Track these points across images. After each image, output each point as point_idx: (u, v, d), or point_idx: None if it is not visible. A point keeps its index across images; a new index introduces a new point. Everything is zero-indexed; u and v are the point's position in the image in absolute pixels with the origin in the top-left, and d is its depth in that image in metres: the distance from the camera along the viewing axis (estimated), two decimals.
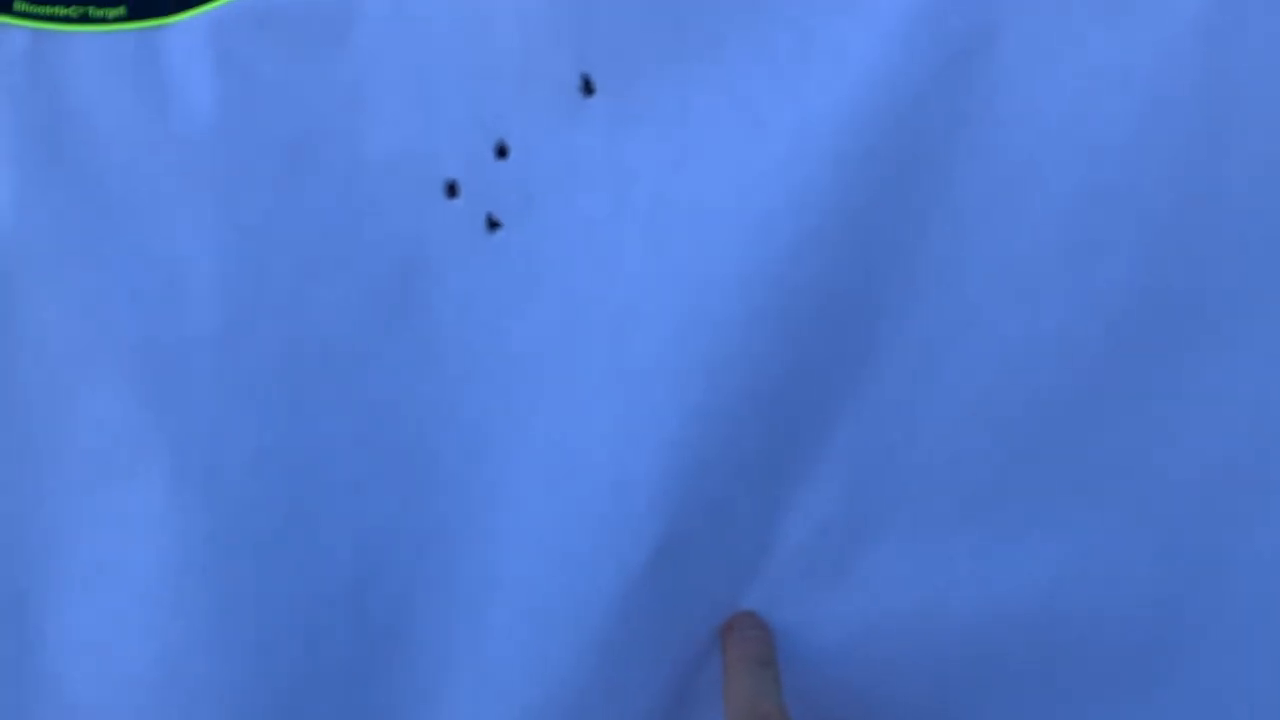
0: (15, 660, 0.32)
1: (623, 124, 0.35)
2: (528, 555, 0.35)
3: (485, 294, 0.35)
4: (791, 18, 0.34)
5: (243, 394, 0.33)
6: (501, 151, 0.35)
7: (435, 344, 0.35)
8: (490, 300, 0.35)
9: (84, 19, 0.32)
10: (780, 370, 0.35)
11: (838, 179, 0.35)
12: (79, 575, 0.32)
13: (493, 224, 0.35)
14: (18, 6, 0.31)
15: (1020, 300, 0.35)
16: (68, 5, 0.32)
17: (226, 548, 0.33)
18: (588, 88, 0.35)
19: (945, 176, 0.35)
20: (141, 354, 0.33)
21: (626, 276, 0.35)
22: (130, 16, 0.32)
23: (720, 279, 0.35)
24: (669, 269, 0.35)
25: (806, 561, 0.36)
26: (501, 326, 0.35)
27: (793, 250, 0.35)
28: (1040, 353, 0.35)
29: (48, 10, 0.31)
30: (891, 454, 0.36)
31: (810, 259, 0.35)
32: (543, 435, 0.35)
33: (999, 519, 0.36)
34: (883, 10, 0.34)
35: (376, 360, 0.34)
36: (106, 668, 0.33)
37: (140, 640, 0.33)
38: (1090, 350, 0.35)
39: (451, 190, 0.35)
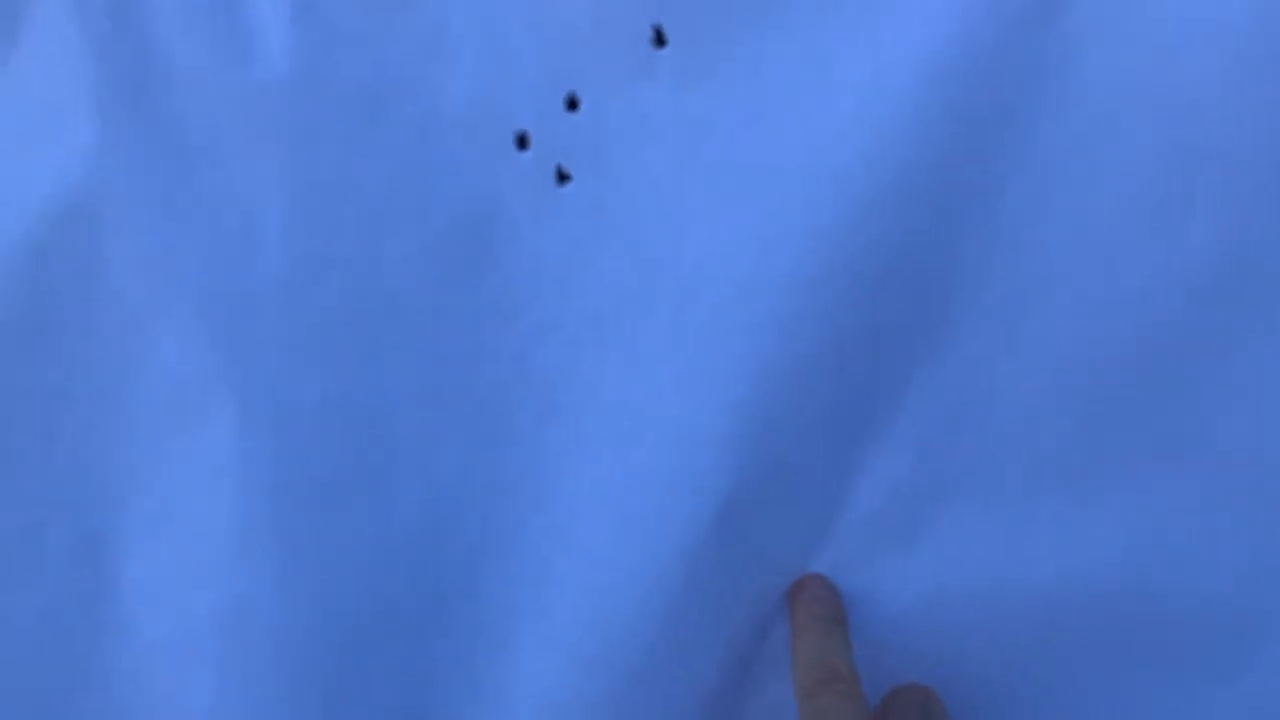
0: (89, 599, 0.33)
1: (693, 77, 0.34)
2: (595, 512, 0.35)
3: (554, 247, 0.35)
4: None
5: (311, 343, 0.34)
6: (572, 104, 0.35)
7: (505, 297, 0.35)
8: (559, 254, 0.35)
9: None
10: (851, 329, 0.35)
11: (912, 135, 0.34)
12: (150, 518, 0.33)
13: (562, 176, 0.35)
14: None
15: (1101, 260, 0.34)
16: None
17: (293, 495, 0.33)
18: (659, 39, 0.35)
19: (1024, 132, 0.34)
20: (212, 301, 0.33)
21: (695, 232, 0.35)
22: None
23: (791, 236, 0.35)
24: (738, 225, 0.35)
25: (877, 525, 0.35)
26: (570, 280, 0.35)
27: (865, 207, 0.34)
28: (1121, 314, 0.34)
29: None
30: (966, 416, 0.35)
31: (883, 216, 0.34)
32: (611, 391, 0.35)
33: (1076, 485, 0.35)
34: None
35: (446, 312, 0.34)
36: (175, 610, 0.33)
37: (208, 584, 0.33)
38: (1172, 312, 0.34)
39: (522, 142, 0.35)
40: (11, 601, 0.32)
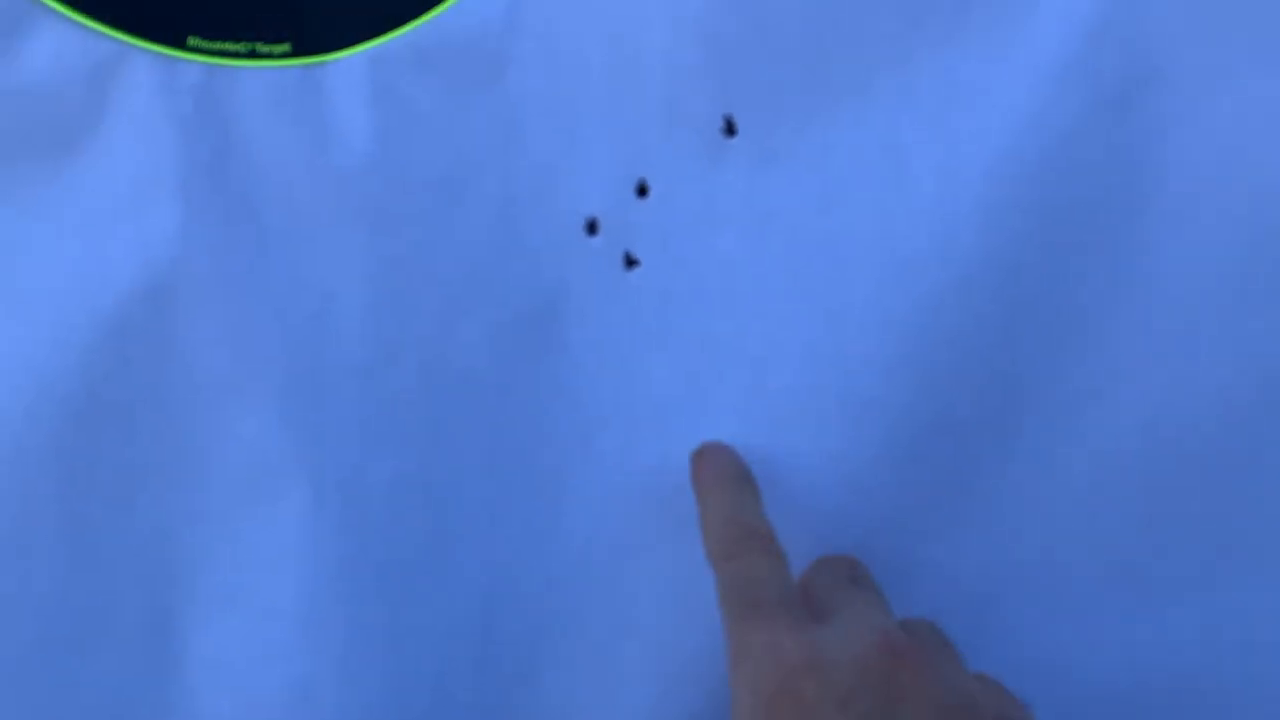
0: (157, 676, 0.33)
1: (764, 164, 0.35)
2: (660, 601, 0.35)
3: (621, 331, 0.35)
4: (938, 61, 0.34)
5: (383, 423, 0.34)
6: (642, 190, 0.35)
7: (572, 380, 0.35)
8: (626, 338, 0.35)
9: (252, 55, 0.33)
10: (919, 420, 0.35)
11: (984, 225, 0.34)
12: (219, 597, 0.33)
13: (630, 262, 0.35)
14: (191, 43, 0.33)
15: (1173, 355, 0.34)
16: (237, 41, 0.33)
17: (360, 576, 0.33)
18: (730, 129, 0.35)
19: (1098, 225, 0.34)
20: (287, 381, 0.33)
21: (763, 319, 0.35)
22: (295, 53, 0.33)
23: (860, 325, 0.35)
24: (807, 312, 0.35)
25: (941, 620, 0.35)
26: (636, 365, 0.35)
27: (936, 297, 0.34)
28: (1192, 410, 0.34)
29: (218, 46, 0.33)
30: (1033, 511, 0.35)
31: (953, 305, 0.34)
32: (676, 478, 0.34)
33: (1144, 582, 0.35)
34: (1034, 55, 0.34)
35: (512, 394, 0.35)
36: (240, 689, 0.33)
37: (273, 663, 0.33)
38: (1244, 409, 0.34)
39: (592, 228, 0.35)
40: (80, 675, 0.32)
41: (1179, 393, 0.34)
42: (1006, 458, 0.35)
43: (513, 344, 0.34)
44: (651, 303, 0.35)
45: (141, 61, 0.32)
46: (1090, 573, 0.35)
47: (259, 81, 0.33)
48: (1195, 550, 0.34)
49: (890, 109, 0.34)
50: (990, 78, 0.34)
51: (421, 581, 0.34)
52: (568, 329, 0.35)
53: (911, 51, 0.34)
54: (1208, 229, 0.33)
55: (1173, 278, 0.34)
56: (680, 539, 0.34)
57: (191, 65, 0.32)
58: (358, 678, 0.33)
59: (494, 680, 0.34)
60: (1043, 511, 0.35)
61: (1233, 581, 0.34)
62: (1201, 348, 0.34)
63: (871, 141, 0.34)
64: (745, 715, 0.27)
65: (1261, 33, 0.33)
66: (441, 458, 0.34)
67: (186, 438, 0.33)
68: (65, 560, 0.33)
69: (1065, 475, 0.34)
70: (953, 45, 0.34)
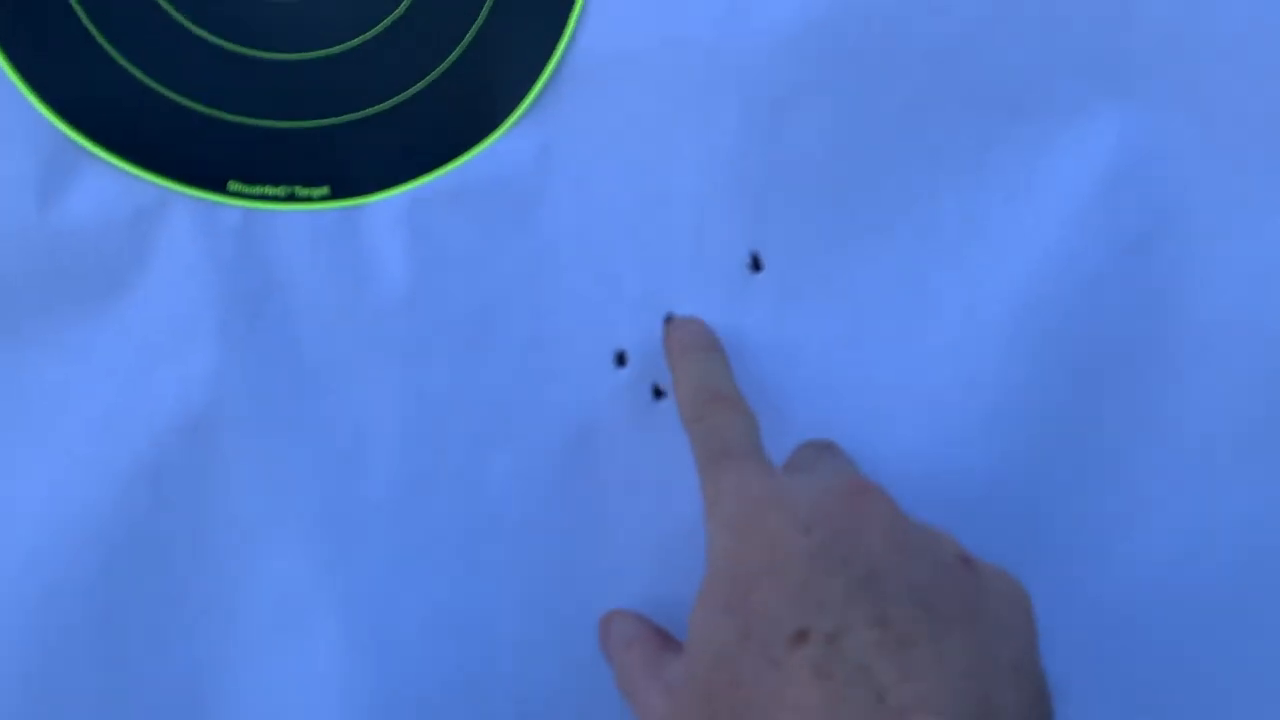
0: None
1: (789, 299, 0.35)
2: None
3: (650, 462, 0.35)
4: (962, 201, 0.35)
5: (415, 559, 0.34)
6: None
7: (601, 510, 0.35)
8: (655, 468, 0.35)
9: (291, 198, 0.34)
10: None
11: (1009, 360, 0.35)
12: None
13: (658, 393, 0.36)
14: (232, 187, 0.33)
15: (1198, 487, 0.34)
16: (276, 184, 0.34)
17: (393, 712, 0.34)
18: (756, 264, 0.36)
19: (1120, 362, 0.35)
20: (320, 517, 0.34)
21: (789, 451, 0.35)
22: (333, 196, 0.34)
23: (884, 457, 0.35)
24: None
25: None
26: (667, 494, 0.35)
27: (961, 431, 0.35)
28: (1217, 542, 0.34)
29: (258, 190, 0.33)
30: (1057, 640, 0.35)
31: (978, 440, 0.35)
32: None
33: (1171, 713, 0.35)
34: (1056, 196, 0.34)
35: (543, 526, 0.35)
36: None
37: None
38: (1271, 540, 0.34)
39: (621, 360, 0.36)
40: None
41: (1203, 527, 0.34)
42: (1029, 588, 0.35)
43: (543, 475, 0.35)
44: (680, 433, 0.35)
45: (183, 206, 0.33)
46: (1116, 702, 0.35)
47: (298, 224, 0.34)
48: (1219, 684, 0.35)
49: (914, 246, 0.35)
50: (1012, 217, 0.35)
51: (454, 716, 0.34)
52: (598, 459, 0.35)
53: (934, 190, 0.35)
54: (1229, 368, 0.34)
55: (1195, 414, 0.34)
56: None
57: (232, 209, 0.33)
58: None
59: None
60: (1066, 640, 0.35)
61: (1251, 714, 0.35)
62: (1224, 483, 0.34)
63: (896, 278, 0.35)
64: (719, 553, 0.28)
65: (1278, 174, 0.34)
66: (473, 591, 0.34)
67: (220, 575, 0.33)
68: (99, 698, 0.33)
69: (1091, 605, 0.35)
70: (975, 184, 0.35)
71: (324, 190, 0.34)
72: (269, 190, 0.34)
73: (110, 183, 0.33)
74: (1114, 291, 0.35)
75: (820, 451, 0.34)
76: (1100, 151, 0.35)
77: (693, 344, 0.34)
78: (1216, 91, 0.35)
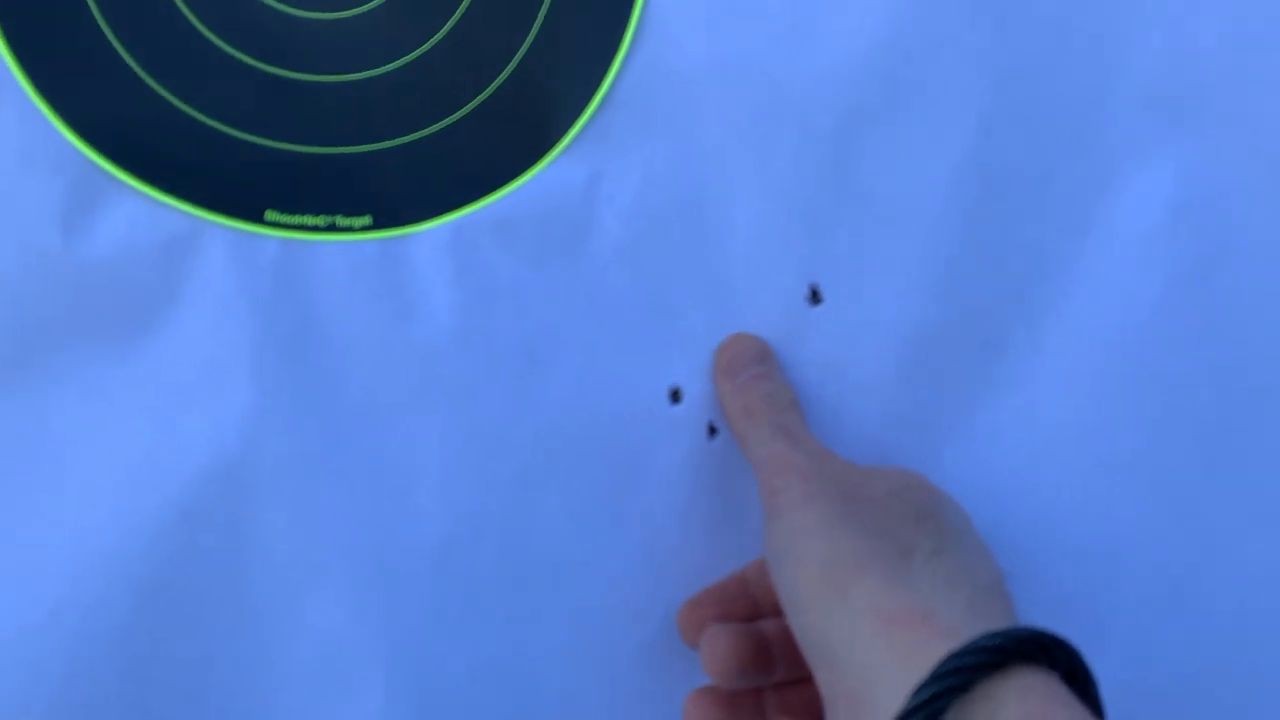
0: None
1: (849, 333, 0.34)
2: None
3: (705, 501, 0.34)
4: (1021, 232, 0.34)
5: (460, 606, 0.32)
6: None
7: (654, 550, 0.34)
8: (709, 508, 0.34)
9: (331, 228, 0.32)
10: None
11: (1067, 392, 0.34)
12: None
13: (712, 430, 0.34)
14: (269, 216, 0.31)
15: (1271, 530, 0.33)
16: (316, 214, 0.32)
17: None
18: (815, 297, 0.34)
19: (1183, 395, 0.34)
20: (362, 567, 0.32)
21: None
22: (375, 226, 0.32)
23: (945, 489, 0.34)
24: None
25: None
26: (721, 533, 0.34)
27: (1021, 460, 0.34)
28: None
29: (297, 220, 0.32)
30: (1133, 691, 0.34)
31: (1043, 470, 0.34)
32: None
33: None
34: (1117, 230, 0.34)
35: (593, 568, 0.33)
36: None
37: None
38: None
39: (675, 396, 0.34)
40: None
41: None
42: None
43: (594, 517, 0.33)
44: (734, 471, 0.34)
45: (217, 236, 0.31)
46: None
47: (339, 255, 0.32)
48: None
49: (976, 279, 0.34)
50: (1073, 252, 0.34)
51: None
52: (650, 499, 0.34)
53: (997, 223, 0.34)
54: None
55: (1260, 453, 0.33)
56: None
57: (269, 240, 0.31)
58: None
59: None
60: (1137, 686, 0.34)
61: None
62: None
63: (958, 312, 0.34)
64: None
65: None
66: (521, 639, 0.33)
67: (257, 627, 0.31)
68: None
69: (1162, 657, 0.34)
70: (1037, 218, 0.34)
71: (366, 220, 0.32)
72: (308, 220, 0.32)
73: (140, 212, 0.31)
74: (1176, 326, 0.34)
75: None
76: (1160, 185, 0.34)
77: (740, 358, 0.33)
78: (1275, 124, 0.34)
